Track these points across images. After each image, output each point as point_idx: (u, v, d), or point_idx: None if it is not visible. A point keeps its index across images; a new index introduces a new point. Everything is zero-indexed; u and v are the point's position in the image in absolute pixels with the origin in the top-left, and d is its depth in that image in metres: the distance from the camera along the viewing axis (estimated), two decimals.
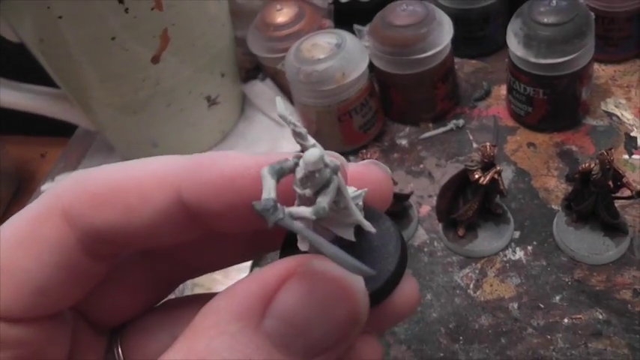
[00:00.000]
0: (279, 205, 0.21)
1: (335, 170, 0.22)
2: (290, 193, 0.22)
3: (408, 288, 0.26)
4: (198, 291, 0.61)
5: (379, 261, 0.25)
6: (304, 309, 0.21)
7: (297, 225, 0.21)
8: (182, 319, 0.30)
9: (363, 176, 0.26)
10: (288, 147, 0.70)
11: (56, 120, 0.75)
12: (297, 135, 0.22)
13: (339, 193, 0.23)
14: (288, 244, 0.27)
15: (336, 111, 0.65)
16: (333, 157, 0.23)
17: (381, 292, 0.25)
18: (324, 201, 0.21)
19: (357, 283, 0.22)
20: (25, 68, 0.70)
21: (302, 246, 0.25)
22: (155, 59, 0.63)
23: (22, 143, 0.98)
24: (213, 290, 0.61)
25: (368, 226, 0.24)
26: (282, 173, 0.22)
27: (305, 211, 0.21)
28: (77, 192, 0.24)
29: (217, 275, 0.60)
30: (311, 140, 0.22)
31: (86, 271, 0.25)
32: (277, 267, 0.22)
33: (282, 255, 0.26)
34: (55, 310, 0.26)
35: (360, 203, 0.25)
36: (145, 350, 0.31)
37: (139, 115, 0.69)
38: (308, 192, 0.22)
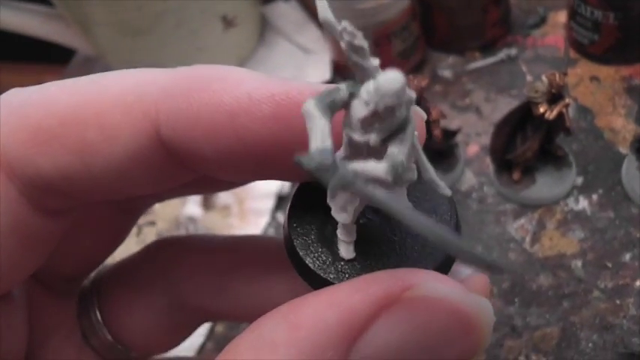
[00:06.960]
0: (337, 159, 0.14)
1: (409, 106, 0.15)
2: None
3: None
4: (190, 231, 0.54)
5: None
6: (408, 349, 0.16)
7: (380, 195, 0.14)
8: (175, 268, 0.25)
9: None
10: (315, 76, 0.63)
11: (54, 45, 0.69)
12: (355, 50, 0.14)
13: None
14: (298, 204, 0.19)
15: (373, 34, 0.59)
16: None
17: (442, 268, 0.19)
18: (400, 153, 0.15)
19: (486, 313, 0.16)
20: None
21: (338, 215, 0.17)
22: None
23: (17, 70, 0.91)
24: (213, 231, 0.53)
25: (443, 187, 0.18)
26: (334, 109, 0.15)
27: (376, 168, 0.14)
28: (13, 126, 0.17)
29: (234, 219, 0.53)
30: (374, 60, 0.15)
31: (38, 232, 0.19)
32: (369, 290, 0.16)
33: (292, 222, 0.19)
34: (4, 289, 0.19)
35: None
36: (130, 309, 0.25)
37: (144, 36, 0.63)
38: (374, 138, 0.15)
